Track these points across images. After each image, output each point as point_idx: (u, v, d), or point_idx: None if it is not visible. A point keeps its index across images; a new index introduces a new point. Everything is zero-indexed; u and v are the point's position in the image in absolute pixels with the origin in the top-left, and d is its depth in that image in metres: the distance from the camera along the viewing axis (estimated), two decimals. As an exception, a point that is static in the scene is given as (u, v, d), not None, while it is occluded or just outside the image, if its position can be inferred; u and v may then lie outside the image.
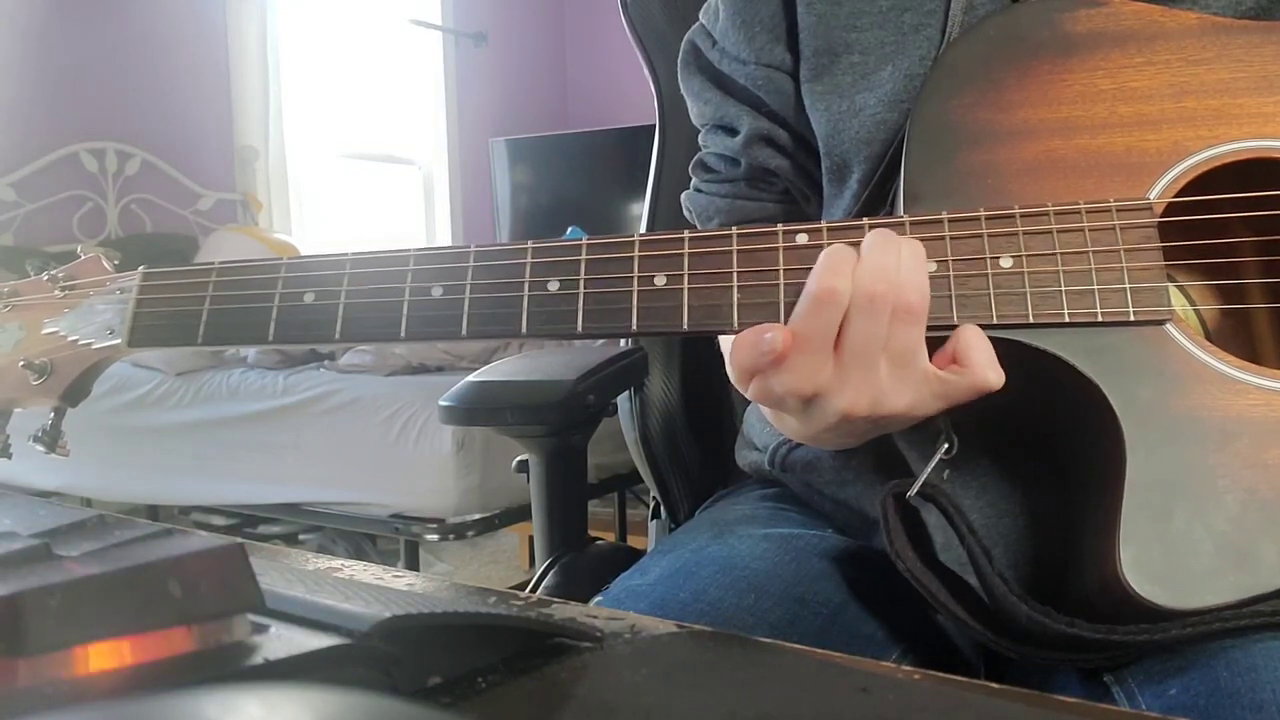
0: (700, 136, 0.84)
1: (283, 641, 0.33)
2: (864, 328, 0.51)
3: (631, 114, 3.84)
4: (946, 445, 0.56)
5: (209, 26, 3.50)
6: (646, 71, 1.06)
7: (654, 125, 1.07)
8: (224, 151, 3.56)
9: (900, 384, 0.52)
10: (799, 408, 0.54)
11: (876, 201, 0.68)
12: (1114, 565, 0.49)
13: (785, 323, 0.52)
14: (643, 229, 1.08)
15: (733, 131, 0.79)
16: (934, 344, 0.53)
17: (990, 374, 0.51)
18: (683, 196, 0.85)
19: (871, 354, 0.51)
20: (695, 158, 0.85)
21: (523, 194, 4.40)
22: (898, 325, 0.51)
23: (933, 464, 0.56)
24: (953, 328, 0.52)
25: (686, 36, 0.82)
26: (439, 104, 4.37)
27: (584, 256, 0.55)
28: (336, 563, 0.54)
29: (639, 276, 0.54)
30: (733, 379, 0.56)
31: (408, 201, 4.38)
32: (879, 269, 0.51)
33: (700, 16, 0.82)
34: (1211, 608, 0.49)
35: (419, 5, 4.26)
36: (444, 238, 4.38)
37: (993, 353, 0.52)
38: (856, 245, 0.52)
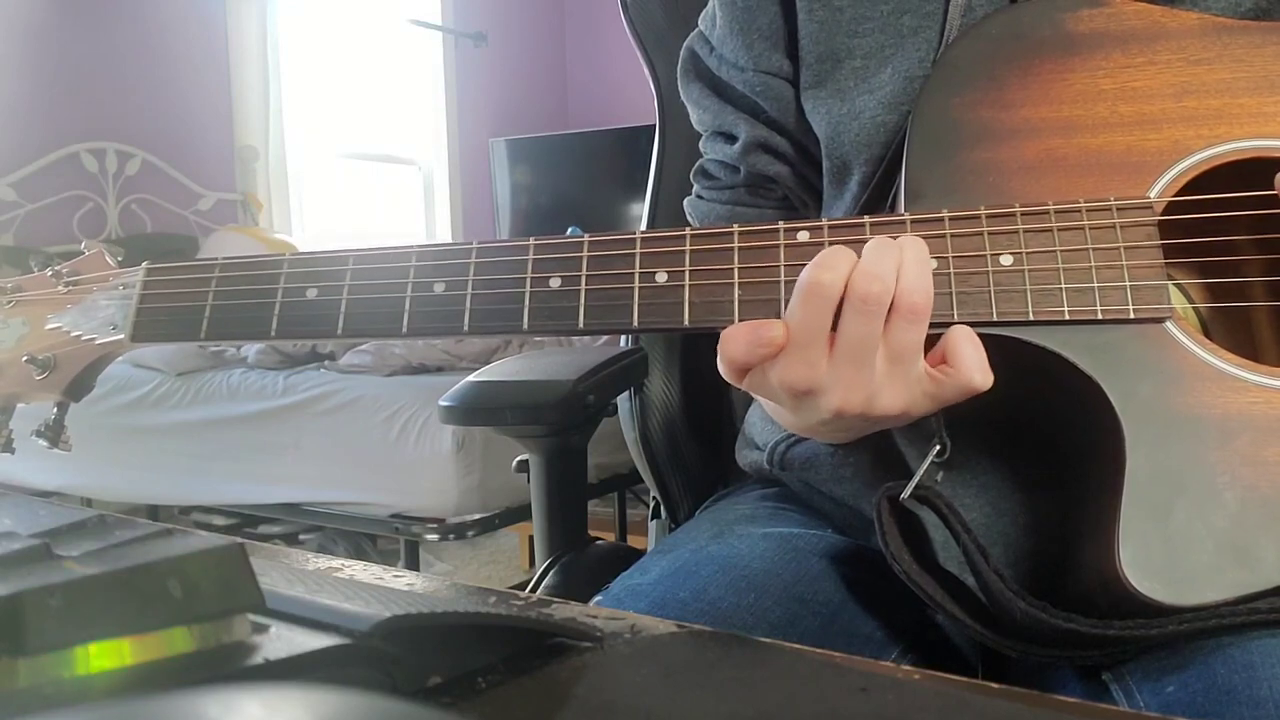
0: (701, 143, 0.84)
1: (283, 641, 0.33)
2: (858, 327, 0.51)
3: (631, 114, 3.84)
4: (939, 447, 0.56)
5: (209, 26, 3.50)
6: (646, 72, 1.06)
7: (654, 125, 1.07)
8: (224, 151, 3.56)
9: (896, 383, 0.52)
10: (792, 402, 0.54)
11: (875, 203, 0.69)
12: (1113, 562, 0.49)
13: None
14: (643, 229, 1.08)
15: (731, 138, 0.79)
16: (928, 343, 0.53)
17: (977, 376, 0.51)
18: (685, 203, 0.85)
19: (865, 353, 0.51)
20: (696, 164, 0.85)
21: (523, 194, 4.40)
22: (901, 325, 0.51)
23: (924, 466, 0.56)
24: (952, 325, 0.52)
25: (685, 44, 0.82)
26: (439, 104, 4.37)
27: (585, 253, 0.55)
28: (336, 563, 0.54)
29: (640, 273, 0.54)
30: (722, 373, 0.56)
31: (408, 201, 4.38)
32: (874, 272, 0.51)
33: (699, 22, 0.82)
34: (1211, 605, 0.49)
35: (419, 5, 4.26)
36: (444, 238, 4.37)
37: (983, 354, 0.51)
38: (859, 249, 0.52)
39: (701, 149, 0.84)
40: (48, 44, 3.01)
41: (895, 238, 0.53)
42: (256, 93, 3.59)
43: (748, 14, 0.75)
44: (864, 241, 0.53)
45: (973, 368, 0.51)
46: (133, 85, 3.24)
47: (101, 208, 3.18)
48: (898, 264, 0.51)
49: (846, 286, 0.51)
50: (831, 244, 0.53)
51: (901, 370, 0.52)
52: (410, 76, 4.34)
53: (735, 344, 0.52)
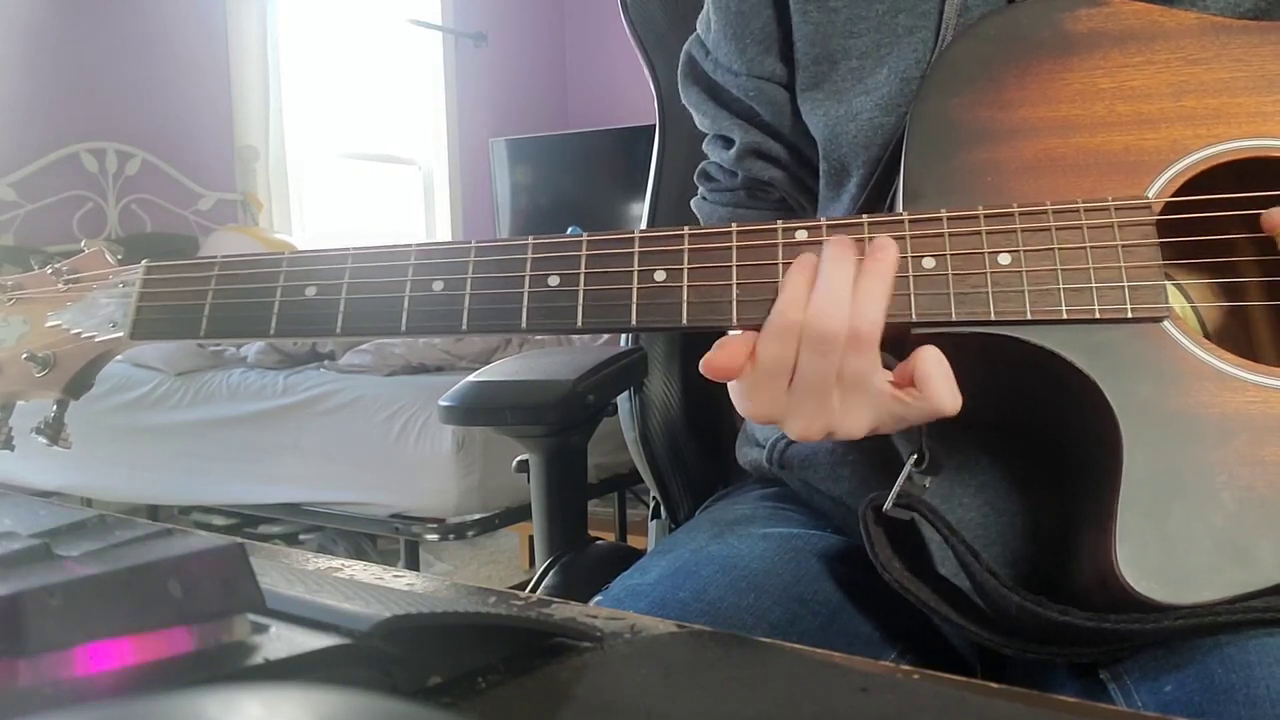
0: (704, 144, 0.84)
1: (283, 641, 0.33)
2: (813, 364, 0.51)
3: (631, 114, 3.84)
4: (916, 456, 0.56)
5: (209, 26, 3.50)
6: (646, 72, 1.06)
7: (654, 125, 1.07)
8: (224, 151, 3.56)
9: (855, 408, 0.53)
10: (762, 422, 0.56)
11: (873, 205, 0.69)
12: (1111, 561, 0.49)
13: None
14: (642, 229, 1.08)
15: (729, 143, 0.80)
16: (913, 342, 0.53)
17: (947, 400, 0.51)
18: (691, 203, 0.87)
19: (822, 387, 0.52)
20: (700, 166, 0.86)
21: (523, 194, 4.40)
22: (849, 355, 0.51)
23: (903, 477, 0.56)
24: (950, 324, 0.52)
25: (684, 47, 0.83)
26: (439, 104, 4.37)
27: (584, 252, 0.55)
28: (336, 563, 0.54)
29: (639, 272, 0.54)
30: None
31: (408, 201, 4.38)
32: (828, 309, 0.51)
33: (697, 25, 0.82)
34: (1207, 604, 0.49)
35: (419, 5, 4.26)
36: (444, 238, 4.37)
37: (951, 376, 0.51)
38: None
39: (705, 150, 0.85)
40: (48, 44, 3.01)
41: (859, 239, 0.52)
42: (256, 93, 3.59)
43: (740, 18, 0.75)
44: (860, 240, 0.53)
45: (942, 394, 0.51)
46: (133, 85, 3.24)
47: (101, 208, 3.18)
48: (848, 293, 0.51)
49: (804, 323, 0.51)
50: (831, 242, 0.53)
51: (859, 396, 0.52)
52: (410, 76, 4.34)
53: (707, 366, 0.53)
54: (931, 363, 0.51)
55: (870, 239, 0.53)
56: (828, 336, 0.51)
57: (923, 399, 0.51)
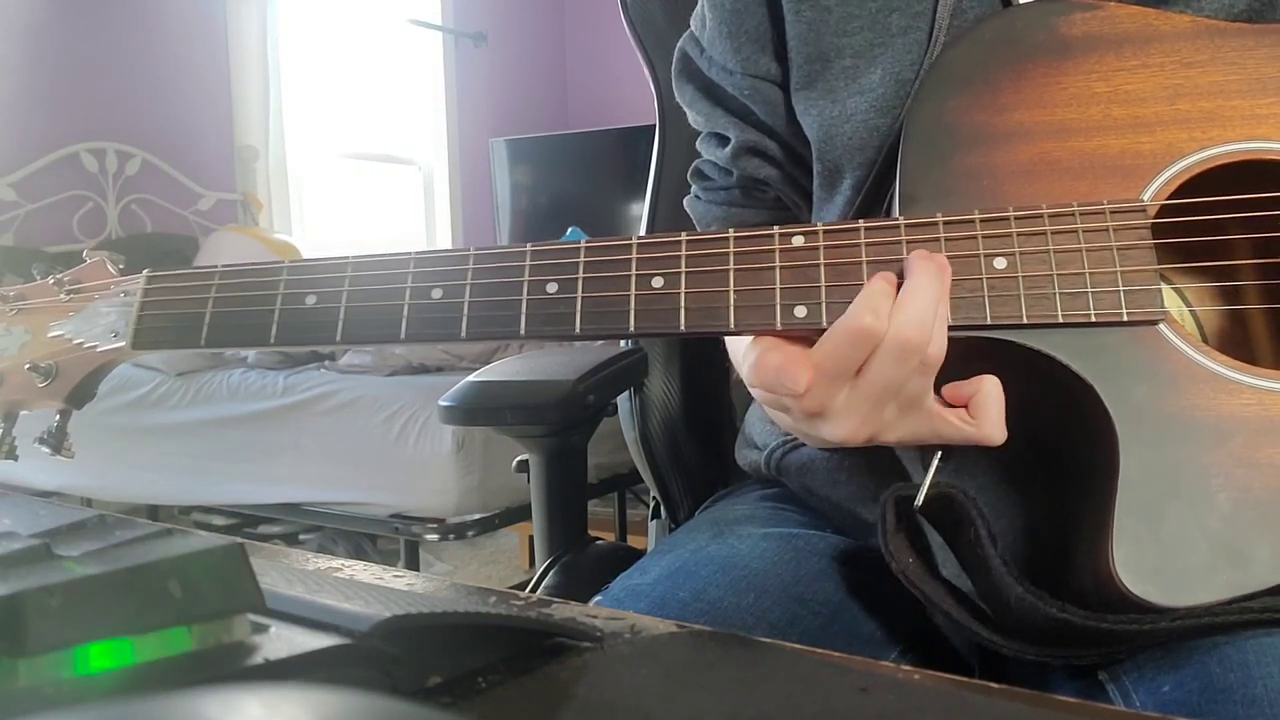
0: (698, 142, 0.84)
1: (283, 641, 0.33)
2: (889, 370, 0.51)
3: (631, 114, 3.84)
4: (940, 451, 0.56)
5: (209, 26, 3.50)
6: (646, 71, 1.06)
7: (654, 125, 1.07)
8: (224, 151, 3.56)
9: (902, 421, 0.53)
10: (805, 422, 0.55)
11: (867, 207, 0.69)
12: (1107, 564, 0.49)
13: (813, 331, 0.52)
14: (643, 229, 1.08)
15: (724, 141, 0.79)
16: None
17: (996, 432, 0.52)
18: (684, 202, 0.86)
19: (887, 395, 0.52)
20: (693, 165, 0.86)
21: (523, 194, 4.39)
22: (914, 375, 0.52)
23: (930, 472, 0.56)
24: (947, 329, 0.52)
25: (678, 45, 0.82)
26: (439, 104, 4.37)
27: (582, 259, 0.55)
28: (336, 563, 0.54)
29: (636, 278, 0.54)
30: (746, 383, 0.56)
31: (408, 201, 4.38)
32: (919, 318, 0.51)
33: (690, 23, 0.82)
34: (1203, 605, 0.49)
35: (419, 5, 4.26)
36: (444, 238, 4.38)
37: (1004, 410, 0.52)
38: (898, 278, 0.52)
39: (698, 148, 0.84)
40: (48, 44, 3.01)
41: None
42: (256, 93, 3.59)
43: (736, 17, 0.75)
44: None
45: (993, 425, 0.52)
46: (133, 85, 3.24)
47: (101, 208, 3.18)
48: (935, 312, 0.51)
49: (888, 331, 0.51)
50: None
51: (911, 413, 0.53)
52: (410, 76, 4.34)
53: (763, 374, 0.53)
54: (992, 394, 0.52)
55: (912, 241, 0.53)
56: (912, 347, 0.50)
57: (972, 425, 0.52)
